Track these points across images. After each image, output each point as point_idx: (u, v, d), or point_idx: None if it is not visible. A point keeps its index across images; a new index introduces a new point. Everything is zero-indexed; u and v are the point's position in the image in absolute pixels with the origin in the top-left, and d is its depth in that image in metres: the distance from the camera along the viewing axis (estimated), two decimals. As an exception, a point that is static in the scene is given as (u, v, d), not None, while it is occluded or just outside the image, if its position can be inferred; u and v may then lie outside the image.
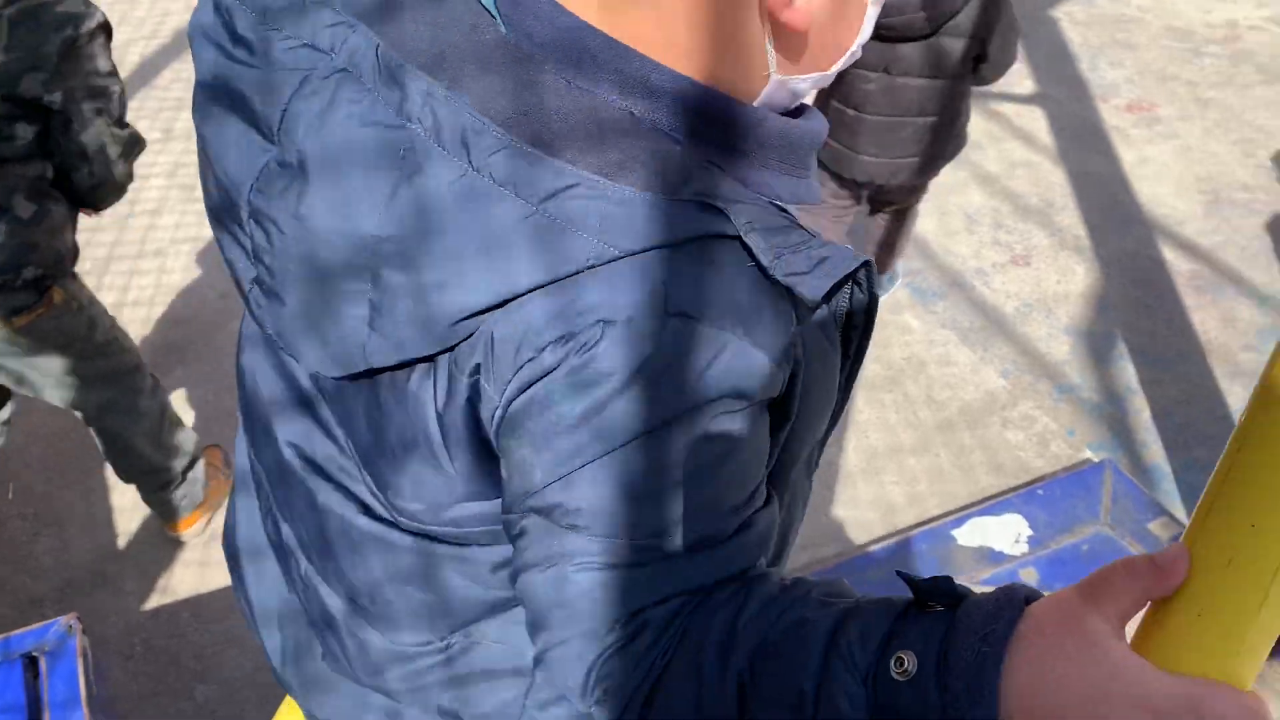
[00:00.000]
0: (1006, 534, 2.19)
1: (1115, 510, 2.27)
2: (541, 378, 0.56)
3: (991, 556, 2.15)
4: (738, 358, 0.56)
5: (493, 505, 0.66)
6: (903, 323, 2.93)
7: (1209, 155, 3.78)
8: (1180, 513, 2.35)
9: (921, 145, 2.37)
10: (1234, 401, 2.69)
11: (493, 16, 0.60)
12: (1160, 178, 3.64)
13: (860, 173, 2.39)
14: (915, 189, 2.55)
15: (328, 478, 0.74)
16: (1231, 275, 3.15)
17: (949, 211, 3.36)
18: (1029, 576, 2.13)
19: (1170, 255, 3.23)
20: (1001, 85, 4.19)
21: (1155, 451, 2.53)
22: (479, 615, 0.75)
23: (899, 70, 2.25)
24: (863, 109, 2.30)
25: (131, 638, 2.08)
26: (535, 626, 0.62)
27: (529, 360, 0.56)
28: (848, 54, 0.65)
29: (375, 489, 0.70)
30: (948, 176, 3.42)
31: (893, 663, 0.52)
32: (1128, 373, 2.77)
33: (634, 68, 0.58)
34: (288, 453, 0.76)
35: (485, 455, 0.63)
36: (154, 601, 2.14)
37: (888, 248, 2.81)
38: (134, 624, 2.10)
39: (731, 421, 0.58)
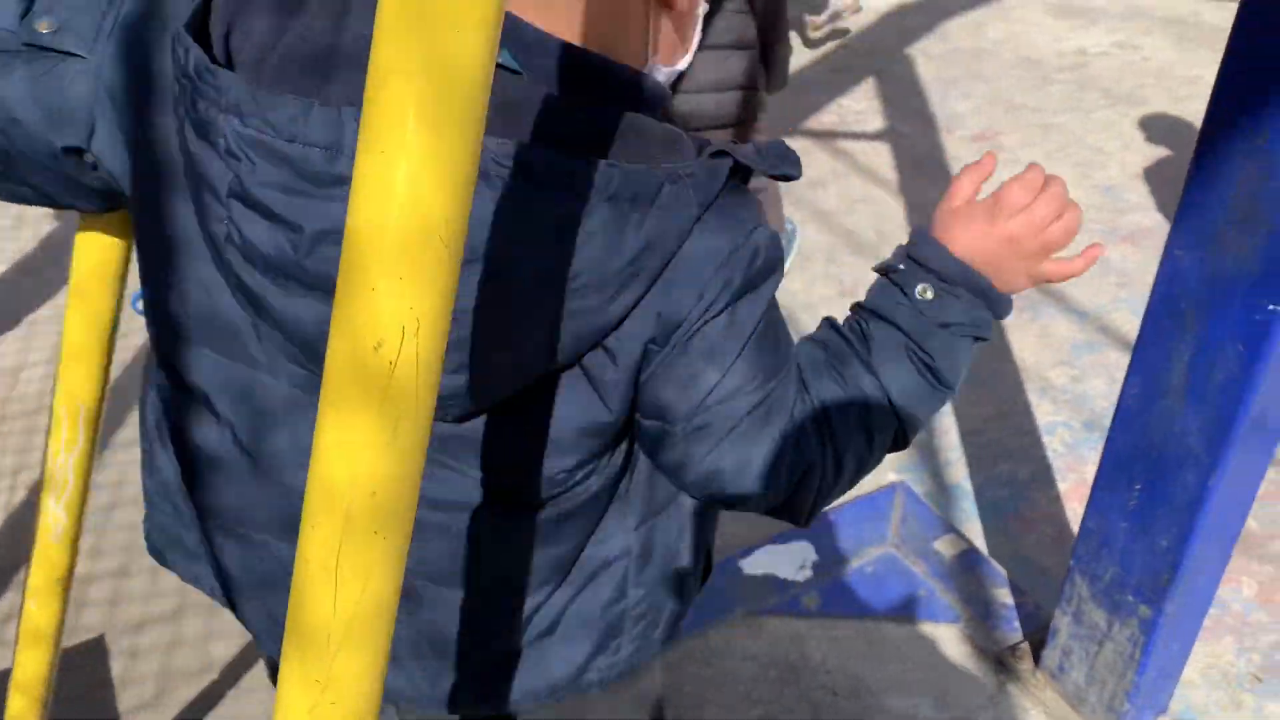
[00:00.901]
0: (792, 562, 2.23)
1: (903, 530, 2.31)
2: (701, 313, 0.76)
3: (775, 585, 2.18)
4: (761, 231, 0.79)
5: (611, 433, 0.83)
6: (728, 360, 2.98)
7: (1046, 179, 3.88)
8: (975, 526, 2.39)
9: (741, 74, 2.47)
10: (1041, 416, 2.75)
11: (513, 71, 0.72)
12: (997, 203, 3.73)
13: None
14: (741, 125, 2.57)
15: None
16: (1054, 293, 3.23)
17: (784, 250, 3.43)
18: (811, 602, 2.16)
19: (995, 278, 3.31)
20: (849, 124, 4.32)
21: (959, 470, 2.57)
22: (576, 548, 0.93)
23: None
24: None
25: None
26: (733, 477, 0.85)
27: (693, 308, 0.75)
28: (689, 53, 0.83)
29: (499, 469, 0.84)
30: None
31: (917, 292, 0.92)
32: (942, 395, 2.83)
33: (623, 76, 0.75)
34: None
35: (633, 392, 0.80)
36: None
37: None
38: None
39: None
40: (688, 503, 0.98)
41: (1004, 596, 2.14)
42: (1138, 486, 1.62)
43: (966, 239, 0.93)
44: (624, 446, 0.89)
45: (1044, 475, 2.56)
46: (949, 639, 2.09)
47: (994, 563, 2.22)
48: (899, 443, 0.96)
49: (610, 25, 0.74)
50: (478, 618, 0.94)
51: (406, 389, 0.47)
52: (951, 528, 2.30)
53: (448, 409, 0.77)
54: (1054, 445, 2.66)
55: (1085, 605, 1.79)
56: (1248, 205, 1.33)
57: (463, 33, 0.43)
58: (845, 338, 0.95)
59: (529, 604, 0.94)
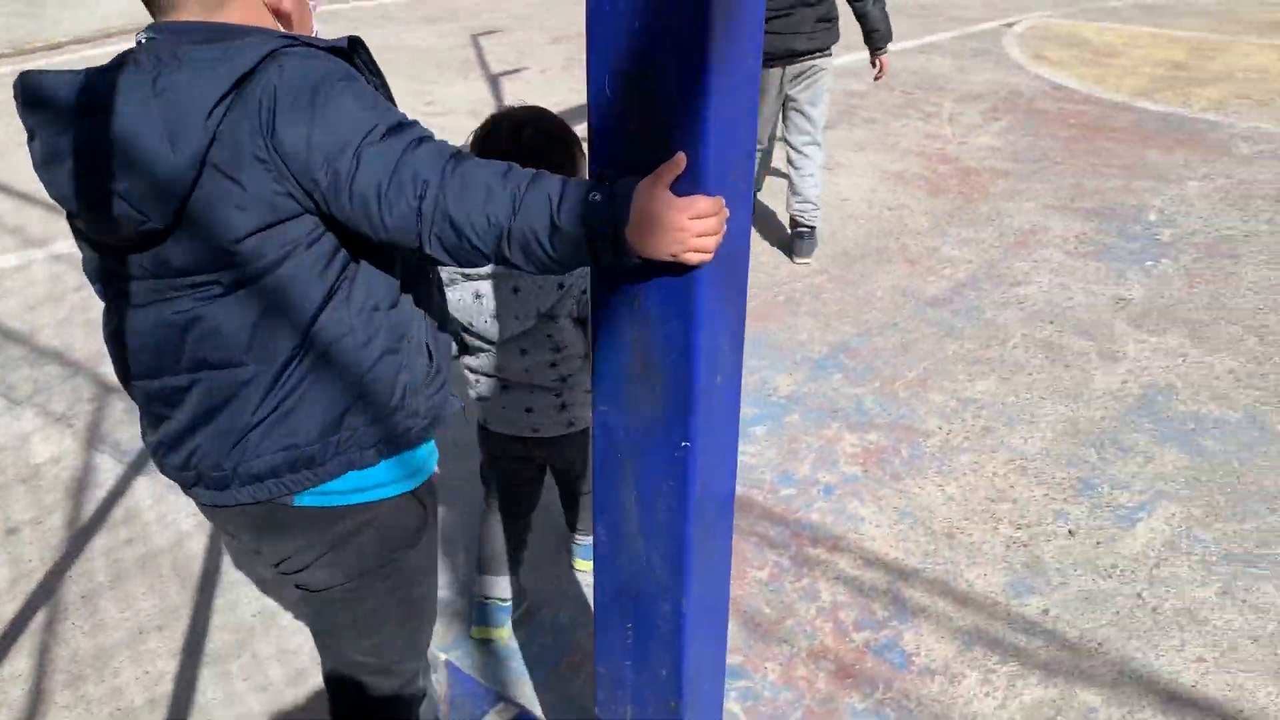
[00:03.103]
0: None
1: (454, 713, 2.25)
2: (272, 112, 1.27)
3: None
4: (334, 62, 1.33)
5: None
6: (237, 580, 2.79)
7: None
8: (526, 683, 2.40)
9: None
10: (564, 557, 2.86)
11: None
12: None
13: None
14: None
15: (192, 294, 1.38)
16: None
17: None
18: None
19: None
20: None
21: (503, 630, 2.58)
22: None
23: None
24: None
25: None
26: (396, 191, 1.29)
27: (263, 111, 1.27)
28: (314, 29, 1.53)
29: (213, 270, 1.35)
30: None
31: (590, 194, 1.27)
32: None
33: (223, 26, 1.37)
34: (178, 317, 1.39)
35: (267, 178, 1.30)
36: None
37: None
38: None
39: (355, 80, 1.32)
40: (404, 306, 1.48)
41: (559, 752, 2.15)
42: (629, 625, 1.70)
43: (645, 202, 1.26)
44: (320, 242, 1.35)
45: (582, 616, 2.64)
46: (514, 815, 2.05)
47: (545, 720, 2.23)
48: (503, 246, 1.30)
49: (242, 15, 1.38)
50: (239, 388, 1.40)
51: None
52: (501, 696, 2.29)
53: (135, 221, 1.30)
54: (585, 580, 2.76)
55: (619, 747, 1.84)
56: (643, 361, 1.47)
57: None
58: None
59: (275, 370, 1.39)
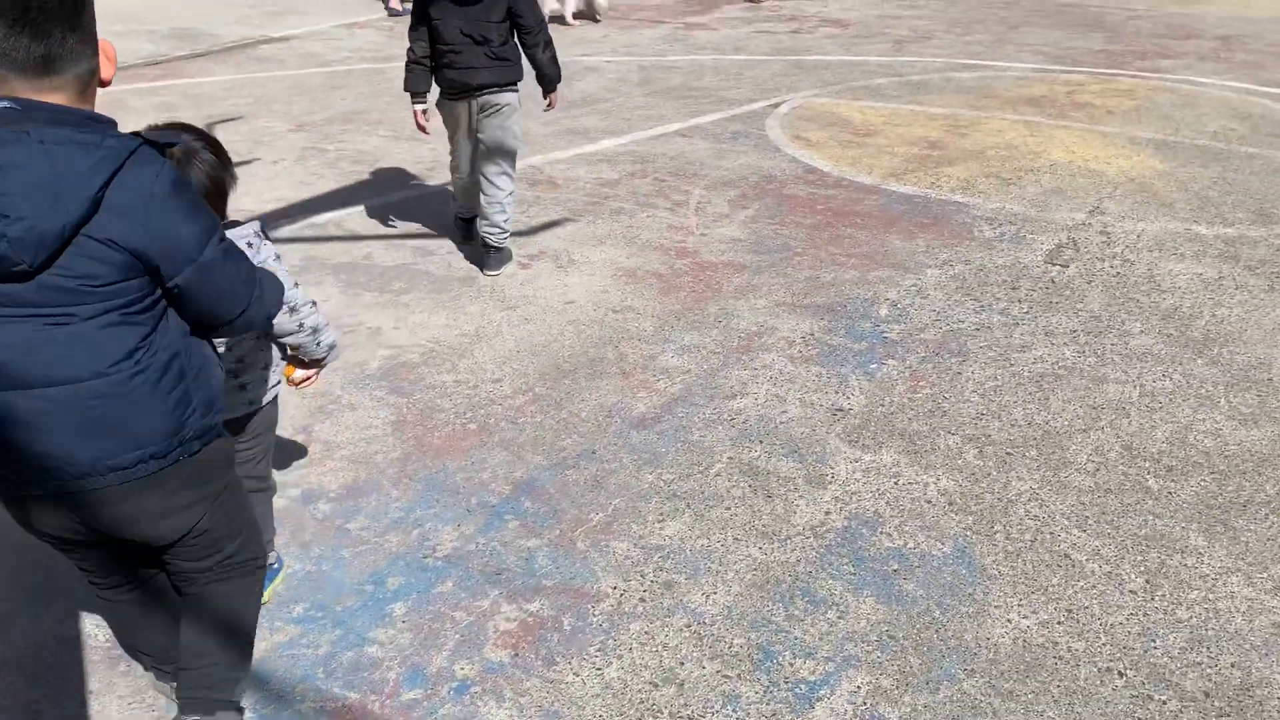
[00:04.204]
0: None
1: None
2: (145, 205, 1.79)
3: None
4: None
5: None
6: None
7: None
8: None
9: None
10: None
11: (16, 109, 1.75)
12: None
13: None
14: None
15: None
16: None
17: None
18: None
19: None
20: None
21: None
22: None
23: None
24: None
25: None
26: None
27: (138, 204, 1.78)
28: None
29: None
30: None
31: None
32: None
33: (71, 110, 1.80)
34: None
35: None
36: None
37: None
38: None
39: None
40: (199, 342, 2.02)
41: None
42: None
43: None
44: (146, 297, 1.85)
45: None
46: None
47: None
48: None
49: (81, 100, 1.81)
50: (104, 396, 1.83)
51: None
52: None
53: (22, 260, 1.68)
54: None
55: None
56: None
57: None
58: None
59: (125, 378, 1.84)
